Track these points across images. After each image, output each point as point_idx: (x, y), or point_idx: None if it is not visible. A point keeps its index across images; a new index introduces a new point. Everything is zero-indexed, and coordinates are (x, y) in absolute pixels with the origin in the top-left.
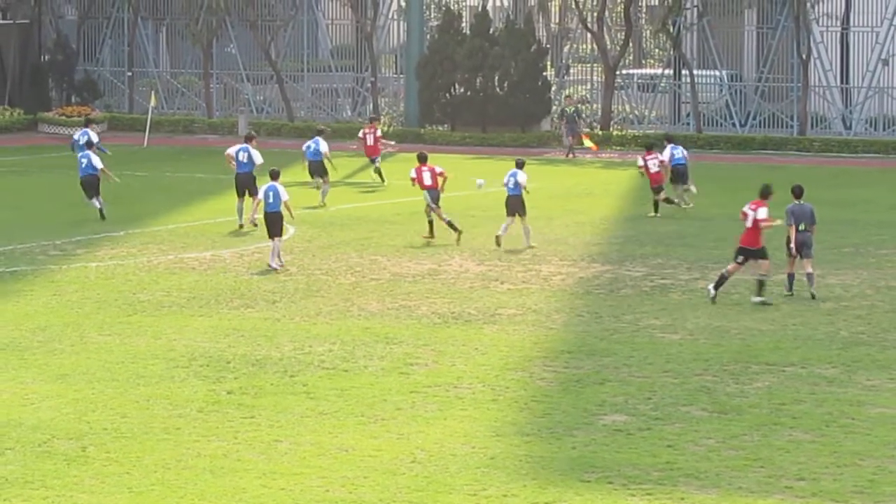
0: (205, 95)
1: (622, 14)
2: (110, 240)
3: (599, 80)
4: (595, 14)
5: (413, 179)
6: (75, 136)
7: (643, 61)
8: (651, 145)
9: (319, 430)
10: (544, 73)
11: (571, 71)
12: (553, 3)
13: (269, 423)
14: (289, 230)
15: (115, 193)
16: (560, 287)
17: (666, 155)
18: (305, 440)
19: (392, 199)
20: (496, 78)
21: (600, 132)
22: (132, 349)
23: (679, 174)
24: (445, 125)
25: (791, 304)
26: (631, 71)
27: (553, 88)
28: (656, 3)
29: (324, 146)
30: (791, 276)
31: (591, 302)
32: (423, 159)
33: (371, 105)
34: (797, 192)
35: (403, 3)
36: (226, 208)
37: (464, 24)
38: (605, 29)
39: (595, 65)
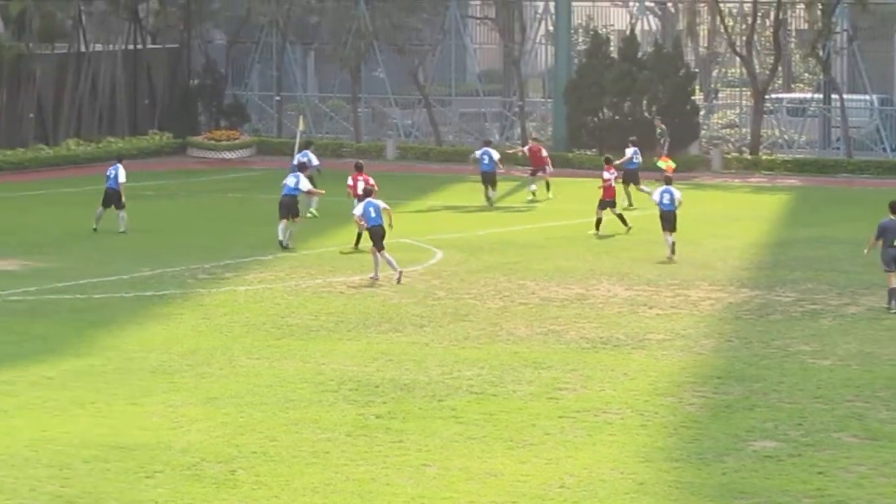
0: (353, 120)
1: (771, 38)
2: (259, 263)
3: (748, 104)
4: (744, 38)
5: (350, 188)
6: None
7: (792, 85)
8: (608, 159)
9: (468, 455)
10: (693, 98)
11: (720, 95)
12: (702, 27)
13: (418, 447)
14: (436, 254)
15: (261, 216)
16: (709, 312)
17: (627, 153)
18: (454, 465)
19: (540, 224)
20: (644, 102)
21: (749, 156)
22: (281, 373)
23: (631, 175)
24: (593, 149)
25: None
26: (780, 95)
27: (702, 113)
28: (806, 27)
29: (496, 154)
30: (892, 291)
31: (741, 327)
32: (359, 168)
33: (519, 129)
34: (893, 208)
35: (551, 28)
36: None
37: (612, 49)
38: (754, 53)
39: (744, 89)
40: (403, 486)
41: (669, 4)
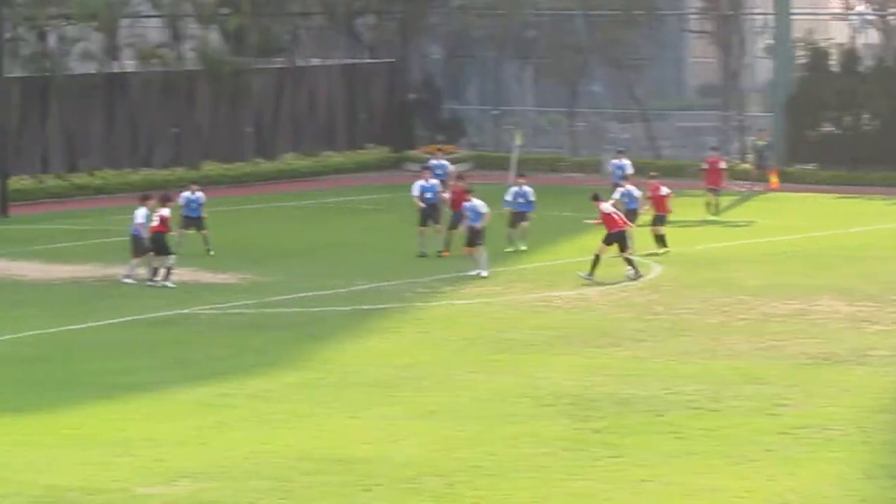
0: (570, 134)
1: None
2: (476, 278)
3: None
4: None
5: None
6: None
7: None
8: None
9: (687, 470)
10: None
11: None
12: None
13: (636, 462)
14: (654, 269)
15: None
16: None
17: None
18: (673, 480)
19: (759, 239)
20: (865, 116)
21: None
22: (498, 387)
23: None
24: (813, 164)
25: None
26: None
27: None
28: None
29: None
30: None
31: None
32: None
33: (737, 144)
34: None
35: (771, 41)
36: (592, 247)
37: (832, 62)
38: None
39: None
40: (623, 500)
41: (891, 17)
